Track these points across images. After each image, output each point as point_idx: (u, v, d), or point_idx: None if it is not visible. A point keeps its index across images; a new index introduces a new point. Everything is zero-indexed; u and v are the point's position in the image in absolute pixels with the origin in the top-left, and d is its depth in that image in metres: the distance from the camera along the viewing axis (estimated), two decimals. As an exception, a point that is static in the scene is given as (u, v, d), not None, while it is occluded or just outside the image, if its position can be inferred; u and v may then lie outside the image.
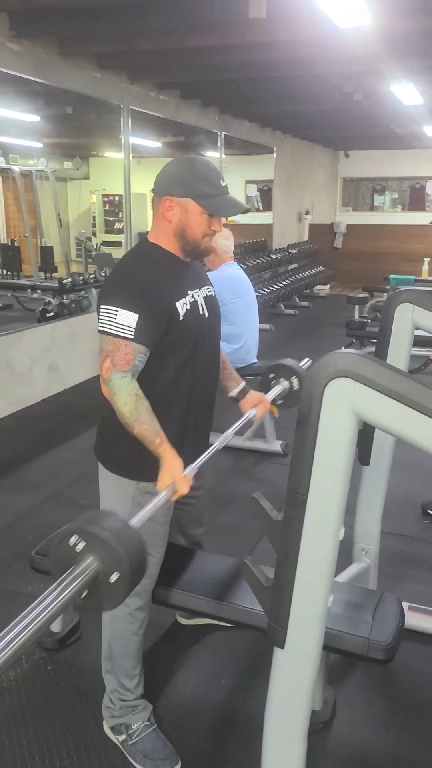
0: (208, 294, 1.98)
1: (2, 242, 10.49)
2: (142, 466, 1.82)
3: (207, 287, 1.99)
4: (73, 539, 1.23)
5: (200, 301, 1.91)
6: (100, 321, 1.75)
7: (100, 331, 1.75)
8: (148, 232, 1.92)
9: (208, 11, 4.18)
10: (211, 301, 1.98)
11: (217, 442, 1.93)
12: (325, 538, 1.36)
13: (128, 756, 1.97)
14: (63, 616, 2.46)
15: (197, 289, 1.92)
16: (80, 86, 5.61)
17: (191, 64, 5.62)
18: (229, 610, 2.07)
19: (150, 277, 1.81)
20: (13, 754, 2.00)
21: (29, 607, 1.10)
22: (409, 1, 3.94)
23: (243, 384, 2.26)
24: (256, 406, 2.23)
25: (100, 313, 1.75)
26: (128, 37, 4.85)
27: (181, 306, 1.82)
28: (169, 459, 1.74)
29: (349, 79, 6.16)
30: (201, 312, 1.91)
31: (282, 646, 1.44)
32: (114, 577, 1.23)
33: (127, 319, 1.71)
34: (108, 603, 1.27)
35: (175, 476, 1.71)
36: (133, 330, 1.71)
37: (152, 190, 1.85)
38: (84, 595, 1.22)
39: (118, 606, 1.28)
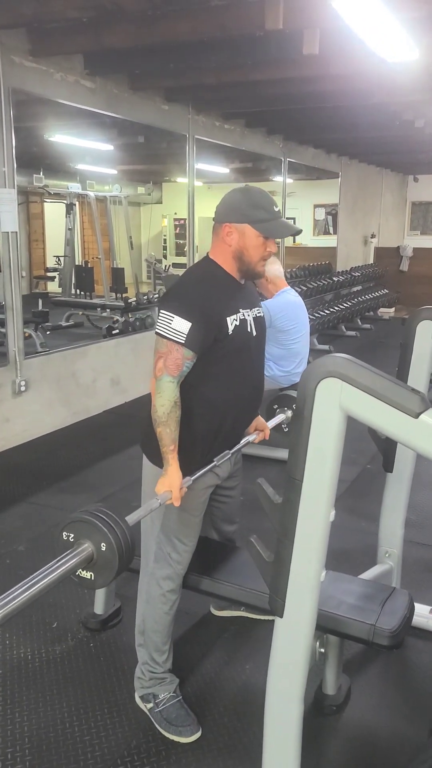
0: (258, 315, 2.20)
1: (77, 263, 11.03)
2: (183, 460, 2.03)
3: (257, 308, 2.21)
4: (67, 531, 1.60)
5: (250, 320, 2.13)
6: (157, 323, 2.00)
7: (156, 333, 2.00)
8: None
9: (266, 48, 4.46)
10: (259, 322, 2.20)
11: (216, 459, 2.14)
12: (317, 519, 1.55)
13: (154, 722, 2.18)
14: (105, 600, 2.70)
15: (248, 309, 2.14)
16: (149, 118, 5.99)
17: (253, 96, 5.91)
18: (252, 596, 2.27)
19: (207, 291, 2.05)
20: (54, 714, 2.24)
21: (30, 576, 1.45)
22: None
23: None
24: (258, 431, 2.44)
25: (159, 317, 2.00)
26: (193, 73, 5.18)
27: (231, 321, 2.04)
28: (173, 469, 1.98)
29: (408, 107, 6.31)
30: (249, 330, 2.13)
31: (281, 615, 1.63)
32: (103, 554, 1.56)
33: (181, 325, 1.95)
34: (99, 579, 1.61)
35: (173, 486, 1.97)
36: (185, 336, 1.95)
37: (213, 218, 2.10)
38: (81, 573, 1.58)
39: (107, 583, 1.63)
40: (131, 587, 2.71)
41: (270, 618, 1.68)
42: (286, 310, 4.25)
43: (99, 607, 2.70)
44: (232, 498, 2.45)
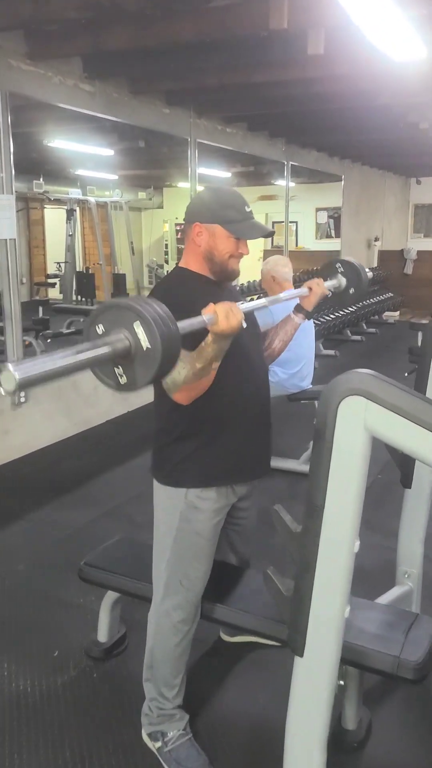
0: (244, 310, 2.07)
1: (78, 270, 10.93)
2: (191, 469, 1.92)
3: (242, 303, 2.08)
4: (100, 328, 1.31)
5: None
6: None
7: None
8: None
9: (269, 49, 4.35)
10: (248, 315, 2.04)
11: (250, 303, 1.97)
12: (341, 549, 1.42)
13: (163, 762, 2.04)
14: (109, 626, 2.57)
15: None
16: (149, 122, 5.87)
17: (256, 98, 5.80)
18: (269, 626, 2.13)
19: (180, 294, 1.92)
20: (55, 753, 2.10)
21: (58, 351, 1.19)
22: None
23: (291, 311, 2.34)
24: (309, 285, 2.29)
25: None
26: (195, 75, 5.06)
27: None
28: (210, 305, 1.69)
29: (413, 109, 6.19)
30: None
31: (301, 655, 1.50)
32: (141, 335, 1.27)
33: None
34: (141, 374, 1.30)
35: (221, 309, 1.67)
36: None
37: (184, 219, 2.00)
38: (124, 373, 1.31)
39: (149, 379, 1.32)
40: (136, 611, 2.59)
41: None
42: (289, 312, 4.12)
43: (103, 634, 2.57)
44: (247, 519, 2.31)
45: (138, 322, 1.29)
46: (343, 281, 2.48)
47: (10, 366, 1.11)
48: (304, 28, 3.75)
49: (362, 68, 4.48)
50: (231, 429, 1.99)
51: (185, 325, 1.50)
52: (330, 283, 2.44)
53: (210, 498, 1.99)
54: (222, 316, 1.66)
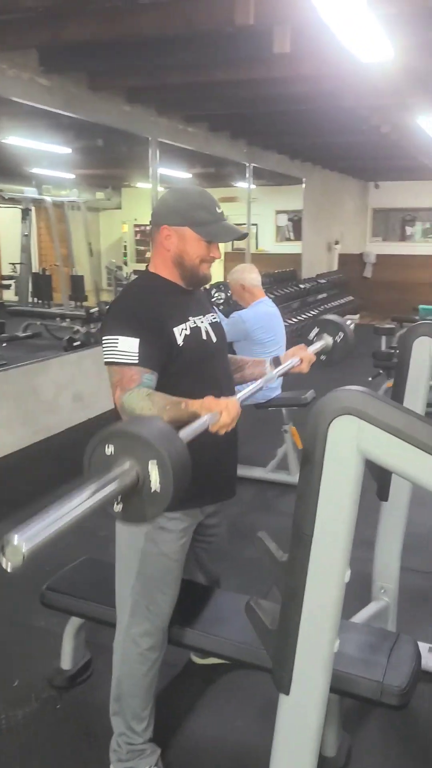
0: (214, 320, 1.97)
1: (34, 271, 10.67)
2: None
3: (211, 314, 1.99)
4: (109, 448, 1.18)
5: (204, 326, 1.90)
6: (104, 353, 1.74)
7: (106, 363, 1.74)
8: None
9: (234, 46, 4.24)
10: (217, 327, 1.97)
11: (262, 380, 1.89)
12: (330, 580, 1.32)
13: (134, 801, 1.91)
14: (73, 653, 2.42)
15: (200, 316, 1.91)
16: (109, 120, 5.72)
17: (219, 98, 5.69)
18: (245, 652, 2.01)
19: (147, 303, 1.81)
20: (17, 793, 1.95)
21: (59, 501, 1.09)
22: (431, 36, 3.93)
23: (271, 358, 2.21)
24: (297, 355, 2.13)
25: (103, 345, 1.74)
26: (157, 72, 4.93)
27: (179, 332, 1.80)
28: (203, 401, 1.61)
29: (376, 111, 6.16)
30: (206, 337, 1.89)
31: (287, 692, 1.39)
32: (153, 475, 1.16)
33: (128, 344, 1.69)
34: (151, 508, 1.19)
35: (219, 405, 1.58)
36: (137, 355, 1.69)
37: (150, 221, 1.87)
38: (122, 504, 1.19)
39: (160, 513, 1.20)
40: (102, 635, 2.43)
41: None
42: (262, 321, 4.04)
43: (66, 661, 2.41)
44: (217, 536, 2.20)
45: (155, 462, 1.16)
46: (330, 341, 2.38)
47: (15, 537, 0.98)
48: (270, 25, 3.65)
49: (328, 68, 4.42)
50: (199, 450, 1.87)
51: (188, 434, 1.41)
52: (317, 347, 2.30)
53: (177, 518, 1.87)
54: (225, 416, 1.58)
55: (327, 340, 2.35)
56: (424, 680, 2.39)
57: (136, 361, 1.69)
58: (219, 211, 1.84)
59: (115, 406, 1.75)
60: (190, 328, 1.84)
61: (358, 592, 2.74)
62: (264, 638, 1.43)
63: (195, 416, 1.57)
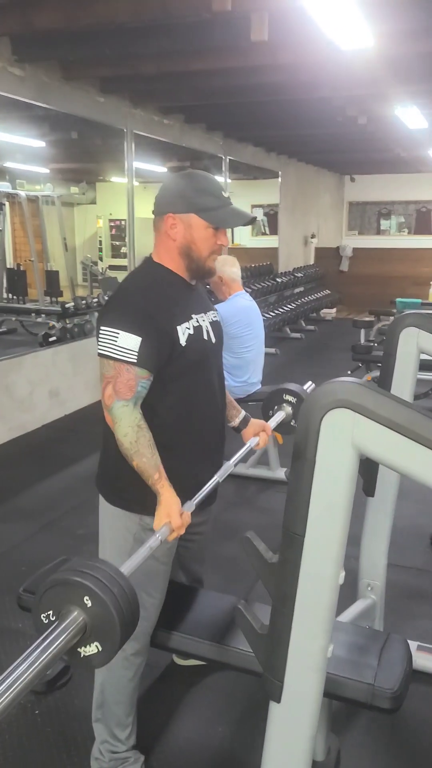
0: (214, 319, 1.90)
1: (8, 267, 10.49)
2: (146, 498, 1.70)
3: (212, 312, 1.91)
4: (44, 609, 1.15)
5: (206, 326, 1.84)
6: (99, 344, 1.66)
7: (100, 355, 1.66)
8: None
9: (211, 34, 4.16)
10: (217, 327, 1.90)
11: (218, 474, 1.83)
12: (323, 582, 1.25)
13: None
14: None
15: (202, 314, 1.84)
16: (83, 111, 5.60)
17: (195, 88, 5.61)
18: (230, 654, 1.93)
19: (153, 298, 1.73)
20: (-6, 807, 1.87)
21: (8, 670, 1.02)
22: (411, 24, 3.88)
23: (243, 413, 2.17)
24: (258, 434, 2.13)
25: (100, 335, 1.66)
26: (131, 61, 4.83)
27: (183, 331, 1.73)
28: (167, 497, 1.64)
29: (353, 102, 6.12)
30: (206, 337, 1.82)
31: (278, 700, 1.33)
32: (92, 611, 1.13)
33: (128, 341, 1.63)
34: (105, 648, 1.16)
35: (172, 516, 1.62)
36: (136, 354, 1.63)
37: (153, 211, 1.78)
38: (83, 651, 1.15)
39: (115, 652, 1.17)
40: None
41: None
42: (240, 315, 3.97)
43: (44, 666, 2.33)
44: (202, 535, 2.12)
45: (87, 597, 1.13)
46: (289, 410, 2.37)
47: None
48: (248, 12, 3.58)
49: (306, 57, 4.37)
50: (189, 455, 1.81)
51: (134, 564, 1.41)
52: (277, 420, 2.31)
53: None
54: (176, 525, 1.62)
55: (287, 410, 2.37)
56: (413, 679, 2.36)
57: (135, 361, 1.63)
58: (225, 195, 1.75)
59: (102, 398, 1.68)
60: (193, 327, 1.77)
61: (344, 589, 2.69)
62: (253, 643, 1.36)
63: (157, 494, 1.64)
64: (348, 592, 2.53)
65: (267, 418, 2.33)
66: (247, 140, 8.89)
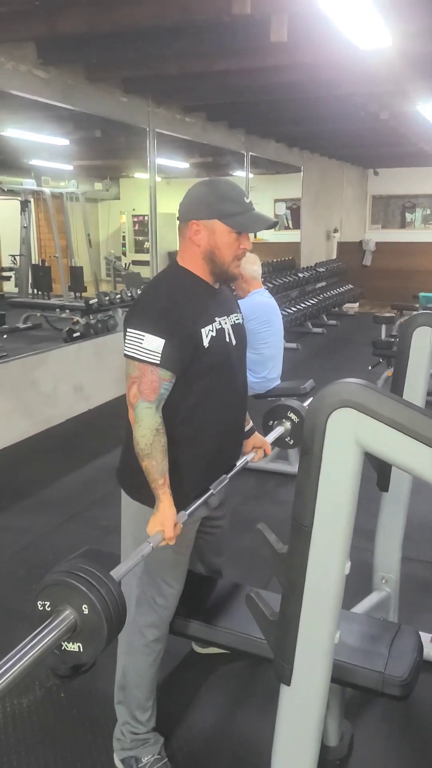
0: (237, 322, 1.96)
1: (33, 262, 10.64)
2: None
3: (235, 315, 1.97)
4: (42, 598, 1.28)
5: (227, 328, 1.90)
6: (126, 345, 1.74)
7: (126, 356, 1.74)
8: (177, 251, 1.92)
9: (231, 36, 4.22)
10: (239, 329, 1.96)
11: (213, 485, 1.90)
12: (330, 572, 1.32)
13: (137, 789, 1.94)
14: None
15: (225, 317, 1.91)
16: (107, 111, 5.69)
17: (216, 87, 5.66)
18: (247, 642, 2.02)
19: (177, 301, 1.80)
20: (22, 783, 1.97)
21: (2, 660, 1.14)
22: (429, 22, 3.90)
23: (251, 425, 2.25)
24: (256, 448, 2.21)
25: (127, 337, 1.75)
26: (153, 62, 4.90)
27: (206, 333, 1.80)
28: (165, 506, 1.73)
29: (374, 99, 6.13)
30: (228, 340, 1.89)
31: (288, 683, 1.40)
32: (87, 618, 1.26)
33: (153, 343, 1.70)
34: (88, 650, 1.30)
35: (166, 525, 1.71)
36: (159, 355, 1.70)
37: (178, 217, 1.85)
38: (66, 646, 1.29)
39: (97, 655, 1.30)
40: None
41: None
42: (258, 312, 4.03)
43: (70, 651, 2.43)
44: (220, 528, 2.21)
45: (84, 605, 1.27)
46: (288, 427, 2.47)
47: None
48: (267, 14, 3.63)
49: (326, 56, 4.40)
50: (209, 451, 1.88)
51: (126, 569, 1.51)
52: (275, 435, 2.40)
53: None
54: (168, 536, 1.71)
55: (286, 425, 2.46)
56: (425, 670, 2.42)
57: (158, 362, 1.70)
58: (247, 200, 1.82)
59: (128, 396, 1.76)
60: (216, 329, 1.84)
61: (359, 582, 2.76)
62: (265, 629, 1.44)
63: (156, 499, 1.73)
64: (363, 586, 2.60)
65: (266, 429, 2.43)
66: (269, 136, 8.92)
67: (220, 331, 1.86)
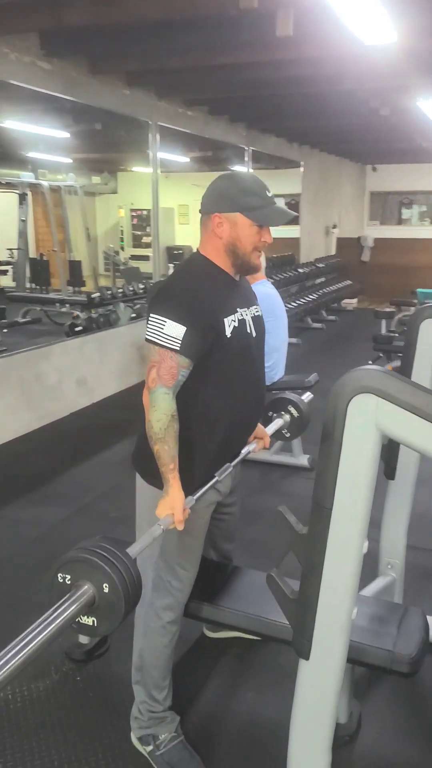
0: (256, 314, 2.01)
1: (31, 256, 10.64)
2: (185, 478, 1.83)
3: (255, 307, 2.02)
4: (62, 572, 1.36)
5: (248, 319, 1.94)
6: (148, 330, 1.79)
7: (147, 340, 1.79)
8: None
9: (237, 30, 4.26)
10: (258, 321, 2.01)
11: (217, 473, 1.94)
12: (349, 552, 1.38)
13: (155, 766, 1.99)
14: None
15: (246, 308, 1.95)
16: (109, 103, 5.72)
17: (219, 81, 5.69)
18: (258, 623, 2.08)
19: (201, 290, 1.85)
20: (42, 762, 2.03)
21: (24, 633, 1.23)
22: (435, 18, 3.95)
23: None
24: (258, 439, 2.25)
25: (149, 322, 1.79)
26: (157, 56, 4.93)
27: (229, 323, 1.84)
28: (175, 490, 1.77)
29: (376, 94, 6.18)
30: (248, 331, 1.93)
31: (307, 658, 1.46)
32: (106, 595, 1.33)
33: (174, 330, 1.74)
34: (104, 624, 1.37)
35: (176, 509, 1.75)
36: (180, 342, 1.74)
37: (200, 210, 1.89)
38: (82, 619, 1.36)
39: (113, 629, 1.36)
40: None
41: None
42: (262, 303, 4.05)
43: (83, 636, 2.49)
44: (232, 515, 2.26)
45: (106, 584, 1.34)
46: (287, 419, 2.54)
47: None
48: (274, 8, 3.67)
49: (330, 51, 4.44)
50: (223, 440, 1.93)
51: (140, 548, 1.56)
52: (275, 426, 2.47)
53: (202, 499, 1.93)
54: (177, 520, 1.75)
55: (285, 418, 2.54)
56: (430, 652, 2.48)
57: (178, 348, 1.74)
58: (269, 194, 1.86)
59: (147, 379, 1.80)
60: (238, 320, 1.88)
61: (364, 569, 2.82)
62: (285, 607, 1.49)
63: (165, 483, 1.78)
64: (369, 573, 2.66)
65: (266, 420, 2.49)
66: (270, 131, 8.96)
67: (242, 322, 1.90)
